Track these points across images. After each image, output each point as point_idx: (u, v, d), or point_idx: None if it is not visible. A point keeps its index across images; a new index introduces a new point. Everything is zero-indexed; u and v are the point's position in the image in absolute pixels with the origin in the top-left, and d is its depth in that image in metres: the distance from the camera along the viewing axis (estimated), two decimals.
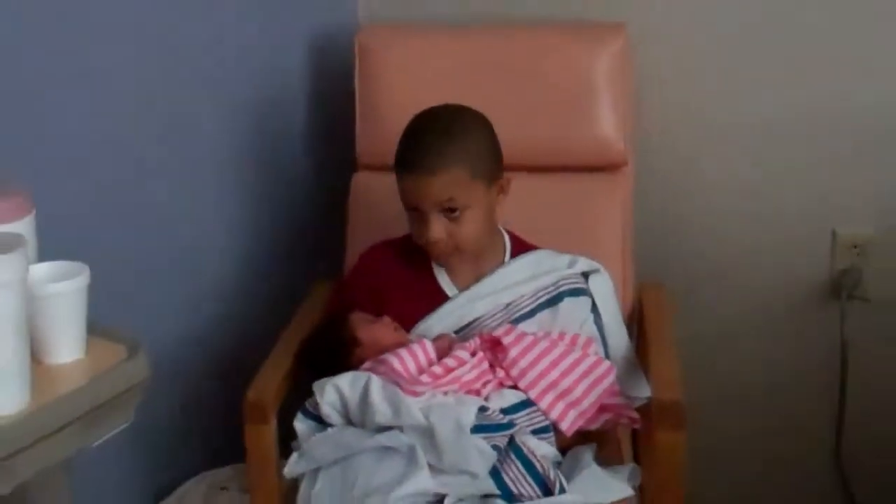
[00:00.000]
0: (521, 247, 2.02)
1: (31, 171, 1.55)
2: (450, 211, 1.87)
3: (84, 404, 1.35)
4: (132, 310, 1.86)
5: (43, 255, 1.43)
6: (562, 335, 1.89)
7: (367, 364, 1.84)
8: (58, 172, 1.81)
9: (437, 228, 1.88)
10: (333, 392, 1.80)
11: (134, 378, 1.41)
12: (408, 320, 1.93)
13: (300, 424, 1.83)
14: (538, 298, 1.93)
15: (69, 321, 1.39)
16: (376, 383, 1.77)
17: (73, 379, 1.36)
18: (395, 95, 2.19)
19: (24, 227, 1.39)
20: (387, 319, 1.92)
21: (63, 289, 1.37)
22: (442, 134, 1.88)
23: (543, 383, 1.81)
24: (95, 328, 1.43)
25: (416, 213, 1.89)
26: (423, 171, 1.85)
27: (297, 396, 1.87)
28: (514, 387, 1.82)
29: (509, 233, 2.03)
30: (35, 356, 1.35)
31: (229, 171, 2.30)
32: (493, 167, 1.93)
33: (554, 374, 1.82)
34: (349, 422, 1.80)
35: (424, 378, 1.77)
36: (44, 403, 1.30)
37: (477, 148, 1.90)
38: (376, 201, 2.20)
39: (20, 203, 1.41)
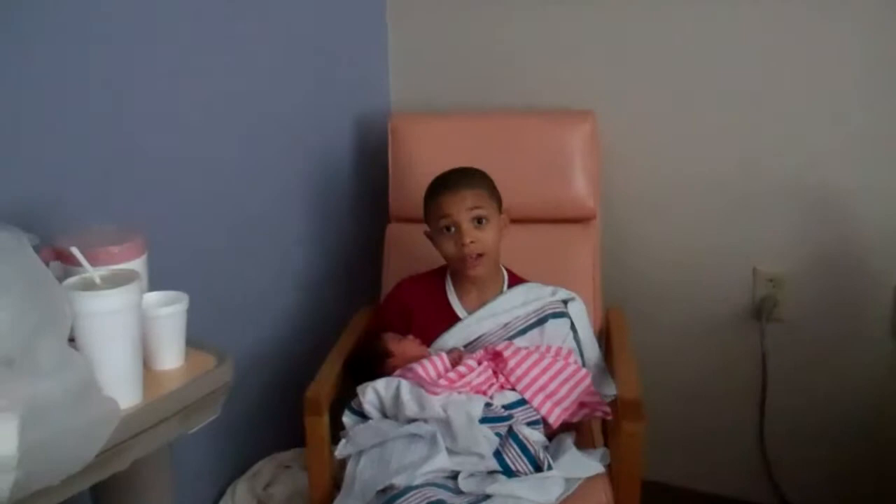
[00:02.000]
0: (515, 280, 2.01)
1: (148, 218, 1.57)
2: (478, 221, 1.86)
3: (182, 401, 1.36)
4: (220, 329, 1.86)
5: (153, 286, 1.44)
6: (548, 348, 1.88)
7: (397, 371, 1.84)
8: (168, 219, 1.83)
9: (471, 232, 1.86)
10: (372, 393, 1.80)
11: (221, 381, 1.42)
12: (428, 337, 1.93)
13: (347, 418, 1.83)
14: (529, 320, 1.92)
15: (172, 337, 1.40)
16: (405, 386, 1.77)
17: (174, 382, 1.37)
18: (418, 164, 2.18)
19: (139, 264, 1.41)
20: (412, 337, 1.92)
21: (168, 312, 1.38)
22: (465, 169, 1.91)
23: (535, 386, 1.80)
24: (192, 341, 1.43)
25: (451, 229, 1.87)
26: (457, 188, 1.86)
27: (345, 396, 1.88)
28: (513, 389, 1.81)
29: (506, 269, 2.03)
30: (146, 364, 1.36)
31: (297, 228, 2.30)
32: (500, 201, 1.93)
33: (543, 379, 1.81)
34: (385, 415, 1.80)
35: (442, 382, 1.77)
36: (152, 400, 1.31)
37: (490, 182, 1.92)
38: (405, 246, 2.20)
39: (137, 245, 1.42)
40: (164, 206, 1.85)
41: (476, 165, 1.96)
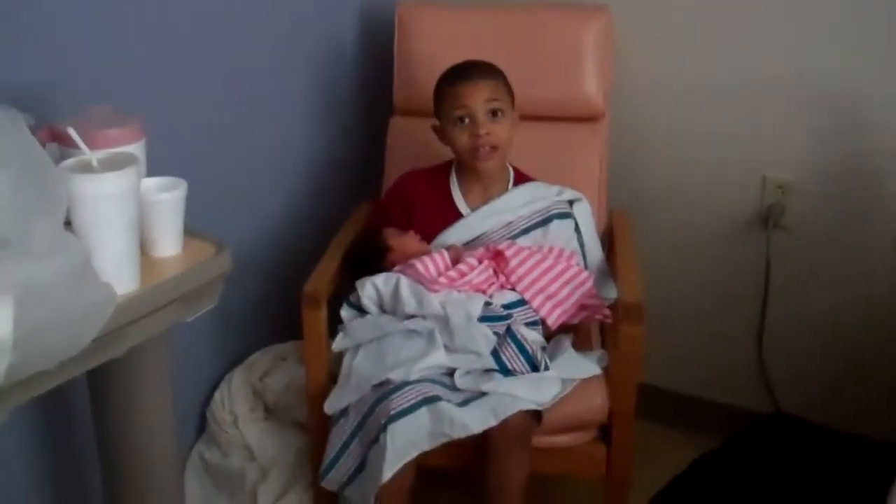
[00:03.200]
0: (521, 178, 2.00)
1: (147, 102, 1.55)
2: (493, 114, 1.84)
3: (180, 289, 1.35)
4: (220, 217, 1.85)
5: (152, 172, 1.41)
6: (551, 249, 1.89)
7: (397, 267, 1.85)
8: (168, 104, 1.81)
9: (486, 123, 1.84)
10: (371, 287, 1.81)
11: (219, 270, 1.40)
12: (429, 233, 1.93)
13: (345, 311, 1.85)
14: (533, 219, 1.92)
15: (170, 223, 1.39)
16: (405, 281, 1.78)
17: (172, 269, 1.36)
18: (425, 56, 2.15)
19: (137, 149, 1.38)
20: (412, 232, 1.91)
21: (166, 197, 1.36)
22: (481, 61, 1.89)
23: (535, 287, 1.81)
24: (191, 230, 1.42)
25: (466, 120, 1.85)
26: (474, 78, 1.84)
27: (344, 290, 1.89)
28: (513, 289, 1.82)
29: (513, 167, 2.02)
30: (144, 250, 1.35)
31: (298, 112, 2.29)
32: (513, 97, 1.91)
33: (544, 280, 1.82)
34: (383, 311, 1.82)
35: (442, 279, 1.78)
36: (150, 287, 1.31)
37: (505, 76, 1.89)
38: (408, 141, 2.18)
39: (135, 129, 1.40)
40: (165, 89, 1.83)
41: (485, 59, 1.93)
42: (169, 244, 1.39)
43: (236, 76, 2.04)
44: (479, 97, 1.84)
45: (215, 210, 1.87)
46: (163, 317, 1.32)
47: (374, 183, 2.26)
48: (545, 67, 2.11)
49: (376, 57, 2.39)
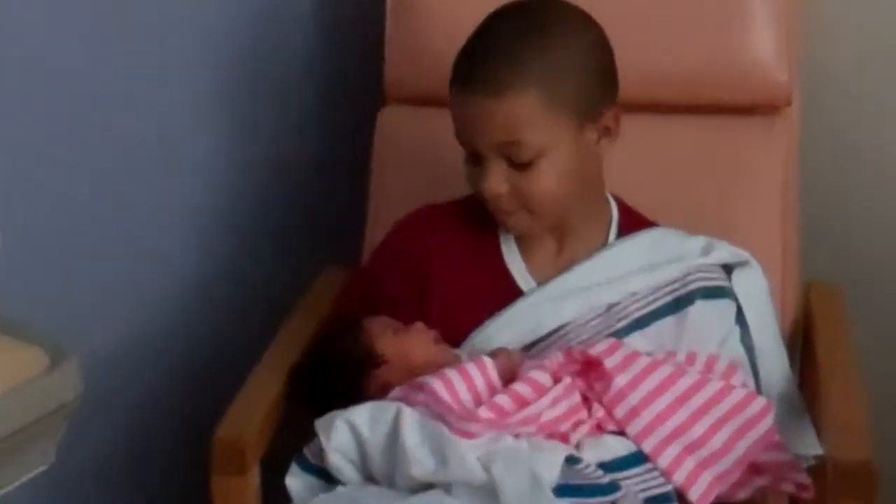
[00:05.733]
0: (633, 221, 2.02)
1: None
2: (514, 155, 1.86)
3: None
4: (60, 302, 1.89)
5: None
6: (692, 356, 1.88)
7: (396, 391, 1.84)
8: None
9: (496, 178, 1.87)
10: (346, 432, 1.80)
11: (58, 398, 1.42)
12: (459, 325, 1.94)
13: (295, 480, 1.85)
14: (657, 299, 1.93)
15: None
16: (411, 419, 1.76)
17: None
18: None
19: None
20: (420, 325, 1.92)
21: None
22: (518, 37, 1.87)
23: (664, 429, 1.80)
24: (6, 324, 1.45)
25: (471, 154, 1.89)
26: (479, 91, 1.84)
27: (290, 438, 1.91)
28: (621, 432, 1.81)
29: (617, 201, 2.02)
30: None
31: (207, 112, 2.38)
32: (593, 95, 1.91)
33: (680, 416, 1.80)
34: (368, 477, 1.81)
35: (484, 412, 1.75)
36: None
37: (569, 62, 1.88)
38: (410, 145, 2.26)
39: None
40: None
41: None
42: None
43: (105, 51, 2.11)
44: (486, 130, 1.86)
45: (53, 290, 1.92)
46: None
47: (349, 231, 2.30)
48: (683, 15, 2.16)
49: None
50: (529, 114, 1.83)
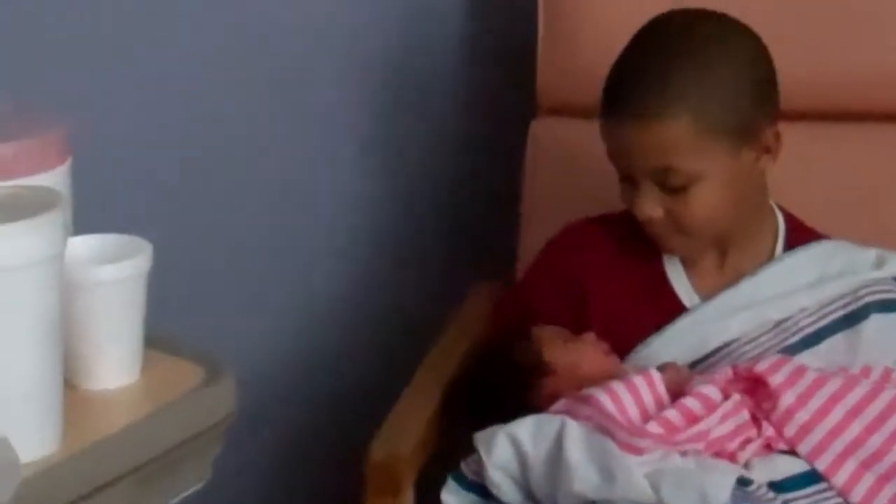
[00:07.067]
0: (801, 234, 1.99)
1: (74, 102, 1.59)
2: (667, 180, 1.86)
3: (139, 452, 1.36)
4: (210, 316, 1.90)
5: (83, 224, 1.45)
6: (866, 370, 1.85)
7: (560, 404, 1.83)
8: (112, 109, 1.89)
9: (650, 203, 1.86)
10: (507, 446, 1.79)
11: (214, 415, 1.43)
12: (621, 342, 1.92)
13: (451, 497, 1.84)
14: (828, 315, 1.91)
15: (120, 325, 1.40)
16: (576, 432, 1.75)
17: (123, 414, 1.38)
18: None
19: (57, 179, 1.40)
20: (591, 337, 1.90)
21: (113, 274, 1.37)
22: (670, 59, 1.85)
23: (838, 445, 1.77)
24: (158, 338, 1.46)
25: (624, 175, 1.89)
26: (630, 117, 1.84)
27: (447, 455, 1.90)
28: (792, 451, 1.78)
29: (784, 212, 2.00)
30: (70, 379, 1.37)
31: (350, 128, 2.40)
32: (751, 115, 1.88)
33: (854, 430, 1.77)
34: (529, 494, 1.80)
35: (652, 427, 1.74)
36: (80, 449, 1.32)
37: (725, 84, 1.86)
38: (566, 159, 2.24)
39: (52, 146, 1.42)
40: (119, 79, 1.92)
41: (719, 7, 1.91)
42: (116, 366, 1.41)
43: (244, 72, 2.15)
44: (636, 159, 1.85)
45: (203, 304, 1.97)
46: None
47: (500, 249, 2.30)
48: (856, 16, 2.13)
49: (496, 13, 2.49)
50: (683, 140, 1.83)
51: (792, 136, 1.91)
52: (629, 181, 1.88)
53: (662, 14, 1.89)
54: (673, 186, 1.84)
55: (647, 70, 1.85)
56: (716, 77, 1.85)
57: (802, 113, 1.97)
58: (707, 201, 1.86)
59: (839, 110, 2.11)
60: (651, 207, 1.86)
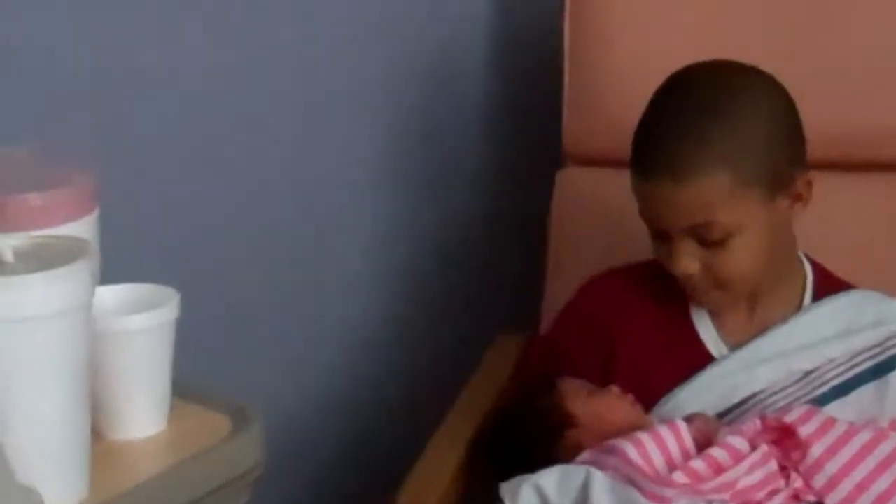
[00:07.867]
0: (829, 284, 1.98)
1: (103, 150, 1.58)
2: (704, 235, 1.85)
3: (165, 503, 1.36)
4: (234, 364, 1.89)
5: (110, 274, 1.45)
6: (894, 423, 1.84)
7: (585, 454, 1.82)
8: (138, 156, 1.90)
9: (686, 259, 1.85)
10: (533, 496, 1.78)
11: (241, 465, 1.44)
12: (647, 392, 1.92)
13: None
14: (856, 365, 1.89)
15: (148, 375, 1.42)
16: (602, 483, 1.75)
17: (149, 464, 1.40)
18: (624, 48, 2.23)
19: (85, 229, 1.42)
20: (616, 389, 1.89)
21: (141, 324, 1.39)
22: (700, 115, 1.84)
23: (865, 499, 1.75)
24: (185, 385, 1.47)
25: (659, 234, 1.88)
26: (663, 176, 1.83)
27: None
28: (819, 503, 1.77)
29: (812, 262, 2.00)
30: (97, 428, 1.38)
31: (371, 175, 2.42)
32: (783, 164, 1.88)
33: (882, 483, 1.76)
34: None
35: (679, 477, 1.73)
36: (107, 500, 1.32)
37: (757, 136, 1.85)
38: (592, 209, 2.25)
39: (82, 194, 1.44)
40: (145, 126, 1.93)
41: (745, 48, 1.92)
42: (143, 416, 1.43)
43: (262, 114, 2.17)
44: (672, 217, 1.85)
45: (228, 353, 1.98)
46: None
47: (525, 300, 2.30)
48: (877, 60, 2.14)
49: (522, 61, 2.50)
50: (719, 195, 1.82)
51: (817, 186, 1.91)
52: (663, 237, 1.87)
53: (686, 68, 1.89)
54: (711, 241, 1.84)
55: (678, 128, 1.85)
56: (747, 129, 1.84)
57: (821, 162, 1.95)
58: (745, 252, 1.86)
59: (860, 160, 2.13)
60: (688, 263, 1.85)
